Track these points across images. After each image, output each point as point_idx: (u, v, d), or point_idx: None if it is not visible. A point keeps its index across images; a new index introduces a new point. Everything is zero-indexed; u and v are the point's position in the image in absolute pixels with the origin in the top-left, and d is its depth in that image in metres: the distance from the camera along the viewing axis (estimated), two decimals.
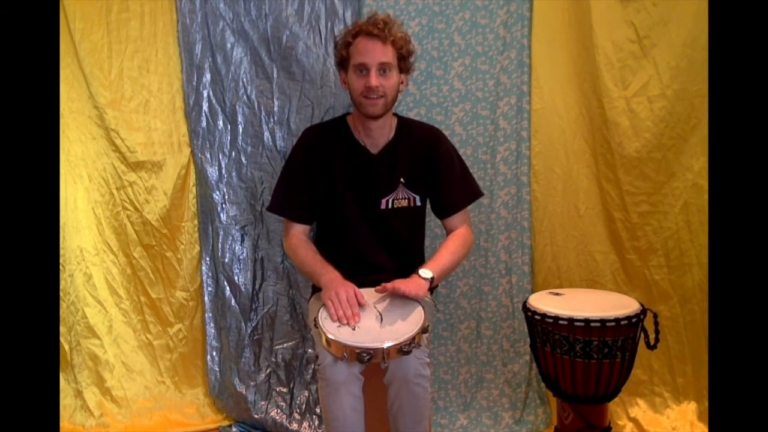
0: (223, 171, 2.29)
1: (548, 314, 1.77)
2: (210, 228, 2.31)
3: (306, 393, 2.32)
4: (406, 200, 1.83)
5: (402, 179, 1.81)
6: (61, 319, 2.27)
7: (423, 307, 1.62)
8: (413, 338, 1.49)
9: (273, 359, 2.33)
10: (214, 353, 2.36)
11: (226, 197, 2.29)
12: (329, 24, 2.22)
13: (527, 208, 2.28)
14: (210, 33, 2.23)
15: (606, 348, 1.73)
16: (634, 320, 1.73)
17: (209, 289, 2.34)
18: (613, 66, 2.11)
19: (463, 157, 1.96)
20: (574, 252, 2.27)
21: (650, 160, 2.13)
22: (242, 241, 2.31)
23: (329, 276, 1.69)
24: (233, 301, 2.31)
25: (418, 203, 1.84)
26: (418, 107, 2.25)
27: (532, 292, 2.25)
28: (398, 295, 1.62)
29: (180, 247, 2.34)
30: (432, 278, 1.68)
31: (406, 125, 1.87)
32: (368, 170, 1.81)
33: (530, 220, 2.29)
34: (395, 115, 1.87)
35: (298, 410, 2.31)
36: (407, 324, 1.54)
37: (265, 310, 2.33)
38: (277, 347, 2.34)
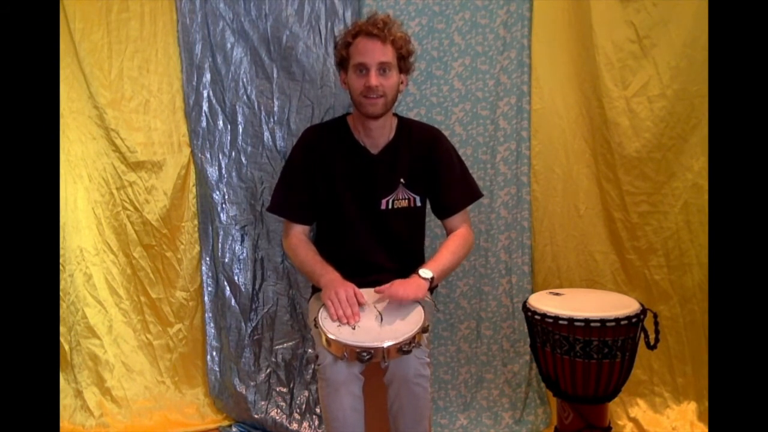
0: (223, 171, 2.29)
1: (548, 314, 1.77)
2: (210, 228, 2.31)
3: (306, 393, 2.32)
4: (406, 200, 1.83)
5: (402, 179, 1.81)
6: (61, 319, 2.27)
7: (423, 307, 1.62)
8: (413, 338, 1.49)
9: (273, 359, 2.33)
10: (214, 353, 2.36)
11: (226, 197, 2.29)
12: (329, 24, 2.22)
13: (527, 208, 2.28)
14: (210, 33, 2.23)
15: (606, 348, 1.73)
16: (634, 320, 1.73)
17: (209, 289, 2.34)
18: (613, 66, 2.11)
19: (463, 157, 1.96)
20: (574, 252, 2.27)
21: (650, 160, 2.13)
22: (242, 241, 2.31)
23: (329, 276, 1.69)
24: (233, 301, 2.31)
25: (418, 203, 1.84)
26: (418, 107, 2.25)
27: (532, 292, 2.25)
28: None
29: (180, 247, 2.34)
30: (432, 278, 1.68)
31: (406, 125, 1.87)
32: (368, 170, 1.81)
33: (530, 220, 2.29)
34: (395, 115, 1.87)
35: (298, 410, 2.31)
36: (407, 323, 1.54)
37: (265, 310, 2.33)
38: (277, 347, 2.34)
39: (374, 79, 1.68)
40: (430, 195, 1.87)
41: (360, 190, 1.81)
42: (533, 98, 2.24)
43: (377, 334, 1.50)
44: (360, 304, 1.61)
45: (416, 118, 2.08)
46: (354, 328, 1.53)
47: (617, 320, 1.71)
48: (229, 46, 2.24)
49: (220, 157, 2.28)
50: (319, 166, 1.81)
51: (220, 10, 2.22)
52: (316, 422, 2.27)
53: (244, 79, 2.25)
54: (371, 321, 1.56)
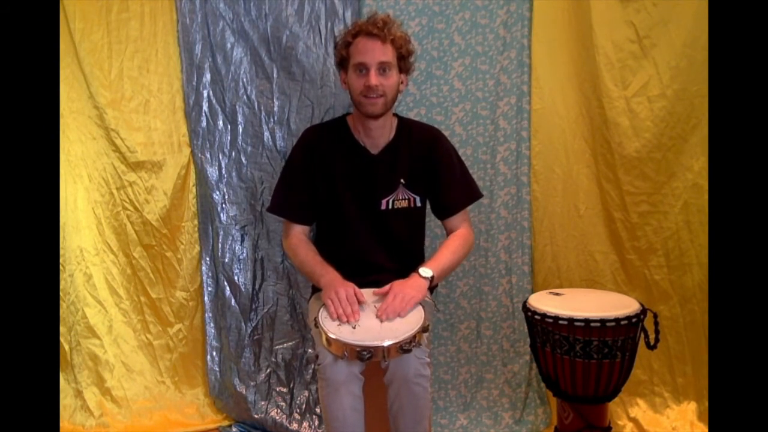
0: (223, 171, 2.29)
1: (548, 314, 1.77)
2: (210, 228, 2.31)
3: (306, 393, 2.32)
4: (406, 201, 1.83)
5: (402, 180, 1.81)
6: (61, 319, 2.27)
7: (423, 307, 1.62)
8: (413, 337, 1.49)
9: (273, 359, 2.33)
10: (214, 353, 2.36)
11: (226, 197, 2.29)
12: (329, 24, 2.22)
13: (527, 208, 2.28)
14: (210, 33, 2.23)
15: (606, 348, 1.73)
16: (634, 320, 1.73)
17: (209, 289, 2.34)
18: (613, 66, 2.11)
19: (463, 157, 1.96)
20: (574, 252, 2.27)
21: (650, 160, 2.13)
22: (242, 241, 2.31)
23: (329, 277, 1.69)
24: (233, 301, 2.31)
25: (418, 204, 1.84)
26: (418, 107, 2.25)
27: (532, 292, 2.25)
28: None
29: (180, 247, 2.34)
30: (432, 277, 1.68)
31: (406, 125, 1.87)
32: (368, 170, 1.81)
33: (530, 220, 2.29)
34: (395, 115, 1.87)
35: (298, 410, 2.31)
36: (407, 323, 1.54)
37: (265, 310, 2.33)
38: (277, 347, 2.34)
39: (374, 79, 1.68)
40: (430, 195, 1.87)
41: (360, 190, 1.80)
42: (533, 98, 2.24)
43: (377, 334, 1.50)
44: (360, 302, 1.61)
45: (416, 118, 2.08)
46: (354, 328, 1.53)
47: (617, 320, 1.71)
48: (229, 46, 2.24)
49: (220, 157, 2.28)
50: (319, 166, 1.81)
51: (220, 10, 2.22)
52: (316, 422, 2.27)
53: (244, 79, 2.25)
54: (371, 320, 1.56)
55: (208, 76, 2.25)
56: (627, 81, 2.11)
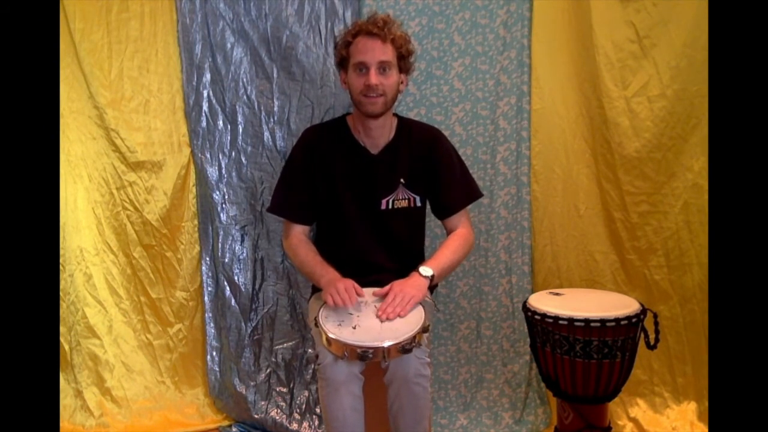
0: (223, 171, 2.29)
1: (548, 314, 1.77)
2: (210, 228, 2.31)
3: (306, 393, 2.32)
4: (406, 200, 1.83)
5: (402, 179, 1.81)
6: (61, 319, 2.27)
7: (423, 307, 1.62)
8: (414, 337, 1.49)
9: (273, 359, 2.33)
10: (214, 353, 2.36)
11: (226, 197, 2.29)
12: (329, 24, 2.22)
13: (527, 208, 2.28)
14: (210, 33, 2.23)
15: (606, 348, 1.73)
16: (634, 320, 1.73)
17: (209, 289, 2.34)
18: (613, 66, 2.11)
19: (463, 157, 1.96)
20: (574, 252, 2.27)
21: (650, 160, 2.13)
22: (242, 241, 2.31)
23: (329, 277, 1.69)
24: (233, 301, 2.31)
25: (418, 204, 1.84)
26: (418, 107, 2.25)
27: (532, 292, 2.25)
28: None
29: (180, 247, 2.34)
30: (432, 276, 1.68)
31: (406, 125, 1.87)
32: (368, 170, 1.81)
33: (530, 220, 2.29)
34: (395, 115, 1.87)
35: (298, 410, 2.31)
36: (407, 323, 1.54)
37: (265, 310, 2.33)
38: (277, 347, 2.34)
39: (374, 78, 1.68)
40: (430, 195, 1.87)
41: (360, 190, 1.81)
42: (533, 98, 2.24)
43: (377, 334, 1.50)
44: (359, 296, 1.61)
45: (416, 118, 2.08)
46: (354, 328, 1.53)
47: (617, 320, 1.71)
48: (229, 46, 2.24)
49: (220, 157, 2.28)
50: (319, 166, 1.81)
51: (220, 10, 2.22)
52: (316, 422, 2.27)
53: (244, 79, 2.25)
54: (371, 320, 1.56)
55: (208, 76, 2.25)
56: (627, 81, 2.11)
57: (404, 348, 1.47)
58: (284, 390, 2.33)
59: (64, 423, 2.28)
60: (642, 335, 1.78)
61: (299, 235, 1.84)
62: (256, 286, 2.32)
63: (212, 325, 2.35)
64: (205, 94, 2.26)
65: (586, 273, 2.27)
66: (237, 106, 2.26)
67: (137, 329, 2.40)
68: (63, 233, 2.25)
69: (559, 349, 1.78)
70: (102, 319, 2.35)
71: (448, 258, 1.76)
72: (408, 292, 1.61)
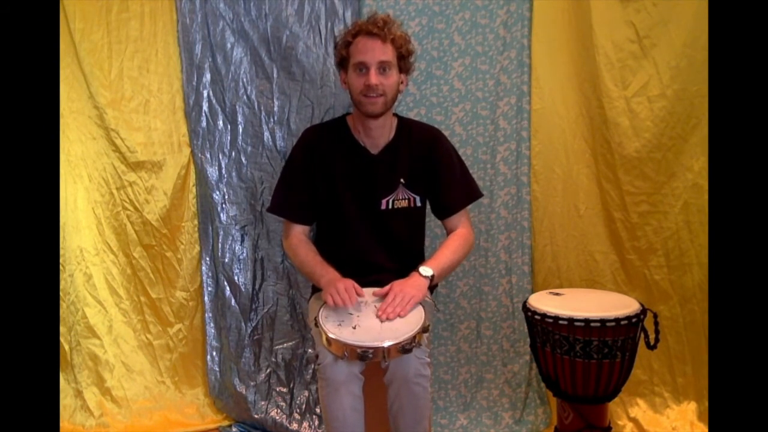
0: (223, 171, 2.29)
1: (548, 314, 1.77)
2: (210, 228, 2.31)
3: (306, 393, 2.32)
4: (406, 200, 1.83)
5: (402, 179, 1.81)
6: (61, 319, 2.27)
7: (423, 307, 1.62)
8: (414, 337, 1.49)
9: (273, 359, 2.33)
10: (214, 353, 2.36)
11: (226, 197, 2.29)
12: (329, 24, 2.22)
13: (527, 208, 2.28)
14: (210, 33, 2.23)
15: (606, 348, 1.73)
16: (634, 320, 1.73)
17: (209, 289, 2.34)
18: (613, 66, 2.11)
19: (463, 157, 1.96)
20: (574, 252, 2.27)
21: (650, 160, 2.13)
22: (242, 241, 2.31)
23: (329, 277, 1.69)
24: (233, 301, 2.31)
25: (418, 204, 1.84)
26: (418, 107, 2.25)
27: (532, 292, 2.25)
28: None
29: (180, 247, 2.34)
30: (432, 276, 1.68)
31: (406, 125, 1.87)
32: (368, 170, 1.81)
33: (530, 220, 2.29)
34: (395, 115, 1.87)
35: (298, 410, 2.31)
36: (407, 323, 1.54)
37: (265, 310, 2.33)
38: (277, 347, 2.34)
39: (374, 78, 1.68)
40: (430, 195, 1.87)
41: (360, 190, 1.80)
42: (533, 98, 2.24)
43: (377, 334, 1.50)
44: (359, 295, 1.61)
45: (416, 118, 2.08)
46: (354, 328, 1.53)
47: (617, 320, 1.71)
48: (229, 46, 2.24)
49: (220, 157, 2.28)
50: (319, 166, 1.81)
51: (220, 10, 2.22)
52: (316, 422, 2.27)
53: (244, 79, 2.25)
54: (372, 320, 1.56)
55: (208, 76, 2.25)
56: (627, 81, 2.11)
57: (404, 348, 1.47)
58: (284, 390, 2.33)
59: (64, 423, 2.28)
60: (642, 335, 1.78)
61: (299, 235, 1.84)
62: (256, 286, 2.32)
63: (212, 325, 2.35)
64: (205, 94, 2.26)
65: (586, 273, 2.27)
66: (237, 106, 2.26)
67: (137, 329, 2.40)
68: (63, 233, 2.25)
69: (559, 349, 1.78)
70: (102, 319, 2.35)
71: (448, 258, 1.76)
72: (408, 292, 1.61)
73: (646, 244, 2.18)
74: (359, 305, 1.62)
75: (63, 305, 2.28)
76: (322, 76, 2.23)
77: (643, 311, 1.78)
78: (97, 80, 2.24)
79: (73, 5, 2.20)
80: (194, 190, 2.33)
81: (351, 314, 1.59)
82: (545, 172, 2.27)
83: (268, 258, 2.31)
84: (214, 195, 2.28)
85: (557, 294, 1.94)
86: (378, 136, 1.81)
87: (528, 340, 1.97)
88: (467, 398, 2.33)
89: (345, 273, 1.70)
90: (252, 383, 2.31)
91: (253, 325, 2.33)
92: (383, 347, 1.46)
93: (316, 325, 1.57)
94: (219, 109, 2.27)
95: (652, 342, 1.77)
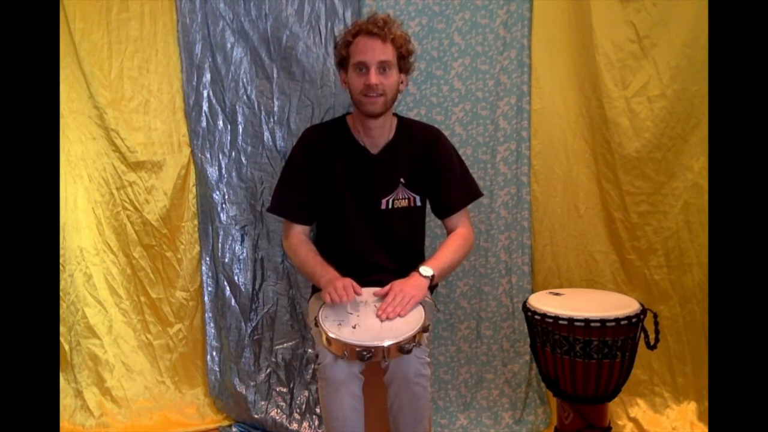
0: (223, 171, 2.29)
1: (548, 314, 1.77)
2: (210, 228, 2.31)
3: (306, 393, 2.32)
4: (406, 200, 1.83)
5: (402, 179, 1.81)
6: (61, 319, 2.27)
7: (423, 306, 1.62)
8: (414, 337, 1.49)
9: (273, 359, 2.33)
10: (214, 353, 2.36)
11: (226, 197, 2.29)
12: (329, 24, 2.22)
13: (527, 208, 2.28)
14: (210, 33, 2.23)
15: (606, 348, 1.73)
16: (634, 320, 1.73)
17: (209, 289, 2.34)
18: (613, 66, 2.11)
19: (463, 157, 1.96)
20: (574, 252, 2.27)
21: (650, 160, 2.13)
22: (242, 241, 2.31)
23: (329, 277, 1.69)
24: (233, 301, 2.31)
25: (418, 203, 1.84)
26: (418, 107, 2.25)
27: (532, 292, 2.25)
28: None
29: (180, 247, 2.34)
30: (432, 276, 1.68)
31: (406, 125, 1.87)
32: (368, 170, 1.81)
33: (530, 220, 2.29)
34: (395, 115, 1.87)
35: (298, 410, 2.31)
36: (407, 323, 1.54)
37: (265, 310, 2.33)
38: (277, 347, 2.34)
39: (374, 78, 1.68)
40: (430, 195, 1.87)
41: (360, 190, 1.81)
42: (533, 98, 2.24)
43: (377, 333, 1.50)
44: (357, 294, 1.61)
45: (416, 118, 2.08)
46: (354, 328, 1.53)
47: (617, 320, 1.71)
48: (229, 46, 2.24)
49: (220, 157, 2.28)
50: (319, 166, 1.81)
51: (220, 10, 2.22)
52: (316, 422, 2.27)
53: (244, 79, 2.25)
54: (371, 320, 1.56)
55: (208, 76, 2.25)
56: (627, 81, 2.11)
57: (404, 348, 1.47)
58: (284, 390, 2.33)
59: (64, 423, 2.28)
60: (642, 335, 1.78)
61: (299, 235, 1.84)
62: (256, 286, 2.32)
63: (212, 325, 2.35)
64: (205, 94, 2.26)
65: (586, 273, 2.27)
66: (237, 106, 2.26)
67: (137, 329, 2.40)
68: (63, 233, 2.25)
69: (559, 349, 1.78)
70: (102, 319, 2.35)
71: (448, 258, 1.76)
72: (408, 292, 1.61)
73: (646, 244, 2.18)
74: (359, 305, 1.62)
75: (63, 305, 2.28)
76: (322, 76, 2.23)
77: (643, 311, 1.78)
78: (97, 80, 2.24)
79: (73, 5, 2.20)
80: (194, 190, 2.33)
81: (351, 314, 1.59)
82: (545, 172, 2.27)
83: (268, 258, 2.31)
84: (214, 195, 2.28)
85: (557, 294, 1.94)
86: (378, 135, 1.81)
87: (528, 340, 1.97)
88: (467, 398, 2.33)
89: (345, 273, 1.69)
90: (252, 383, 2.31)
91: (253, 325, 2.33)
92: (383, 347, 1.46)
93: (316, 324, 1.57)
94: (219, 109, 2.27)
95: (652, 342, 1.77)
